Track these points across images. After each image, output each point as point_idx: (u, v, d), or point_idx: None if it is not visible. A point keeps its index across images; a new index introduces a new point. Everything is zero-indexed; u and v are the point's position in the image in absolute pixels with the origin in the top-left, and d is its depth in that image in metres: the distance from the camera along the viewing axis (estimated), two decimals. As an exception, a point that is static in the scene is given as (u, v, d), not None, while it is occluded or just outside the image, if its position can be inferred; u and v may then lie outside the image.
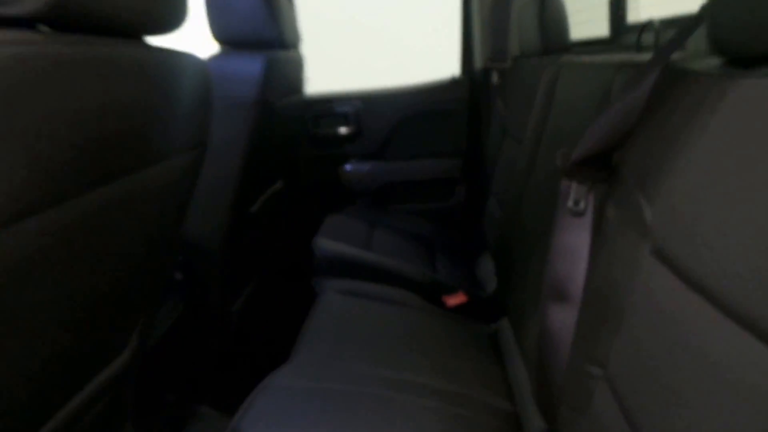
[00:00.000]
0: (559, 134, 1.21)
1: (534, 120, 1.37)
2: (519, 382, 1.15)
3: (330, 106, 2.11)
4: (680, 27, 0.63)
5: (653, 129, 0.63)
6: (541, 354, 0.89)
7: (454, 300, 1.50)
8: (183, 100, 0.90)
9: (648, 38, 1.31)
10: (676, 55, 0.63)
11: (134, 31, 0.75)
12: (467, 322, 1.43)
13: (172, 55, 0.84)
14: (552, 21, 1.45)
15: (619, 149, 0.72)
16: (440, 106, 2.12)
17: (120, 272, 0.82)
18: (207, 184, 1.40)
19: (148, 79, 0.76)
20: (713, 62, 0.58)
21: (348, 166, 2.15)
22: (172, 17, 0.82)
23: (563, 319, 0.83)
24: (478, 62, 2.06)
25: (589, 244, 0.78)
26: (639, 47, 1.26)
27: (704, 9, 0.56)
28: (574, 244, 0.81)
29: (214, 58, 1.41)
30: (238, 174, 1.42)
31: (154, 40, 0.82)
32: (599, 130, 0.73)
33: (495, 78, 1.94)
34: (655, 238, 0.55)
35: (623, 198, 0.68)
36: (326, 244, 1.56)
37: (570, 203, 0.82)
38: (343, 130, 2.12)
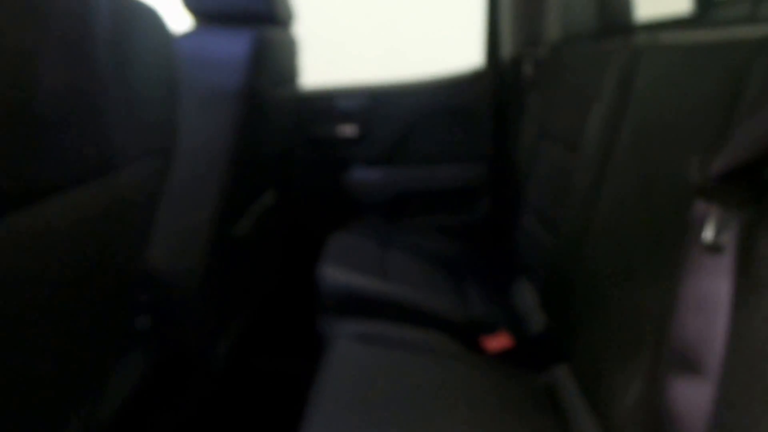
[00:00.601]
0: (647, 140, 0.92)
1: (598, 121, 1.08)
2: None
3: (331, 103, 1.81)
4: None
5: None
6: None
7: (496, 343, 1.21)
8: (135, 81, 0.60)
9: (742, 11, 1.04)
10: None
11: None
12: (515, 372, 1.14)
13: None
14: None
15: None
16: (461, 102, 1.82)
17: (47, 333, 0.56)
18: (179, 200, 1.10)
19: (64, 34, 0.47)
20: None
21: (353, 174, 1.84)
22: None
23: (692, 395, 0.62)
24: (506, 50, 1.76)
25: (732, 293, 0.58)
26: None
27: None
28: (709, 292, 0.60)
29: (188, 36, 1.11)
30: (219, 184, 1.12)
31: None
32: (753, 132, 0.53)
33: (528, 68, 1.65)
34: None
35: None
36: (334, 274, 1.26)
37: (707, 235, 0.58)
38: (346, 130, 1.81)
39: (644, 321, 0.79)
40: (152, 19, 0.63)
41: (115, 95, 0.55)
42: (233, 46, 1.10)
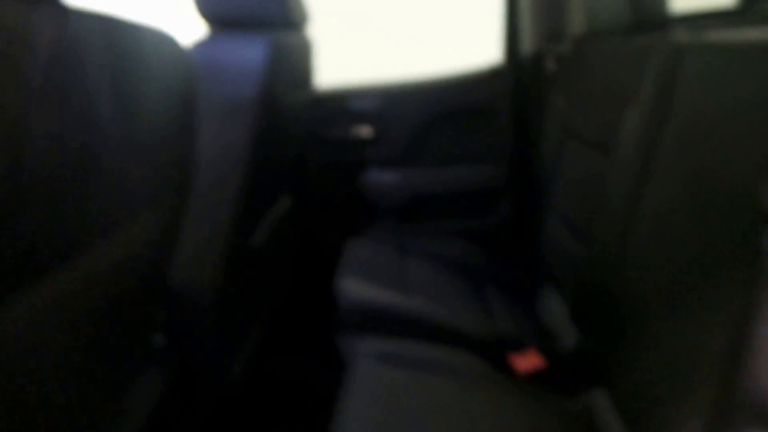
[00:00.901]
0: (697, 149, 0.84)
1: (636, 124, 1.00)
2: None
3: (344, 103, 1.73)
4: None
5: None
6: None
7: (527, 363, 1.14)
8: (145, 122, 0.54)
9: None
10: None
11: None
12: (548, 396, 1.07)
13: (121, 29, 0.50)
14: None
15: None
16: (479, 100, 1.74)
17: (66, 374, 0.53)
18: (193, 213, 1.06)
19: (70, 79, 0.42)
20: None
21: (368, 176, 1.77)
22: None
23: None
24: (526, 45, 1.68)
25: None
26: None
27: None
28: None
29: (203, 44, 1.07)
30: (235, 195, 1.08)
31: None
32: None
33: (551, 65, 1.56)
34: None
35: None
36: (353, 288, 1.19)
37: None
38: (361, 131, 1.74)
39: (702, 355, 0.71)
40: (161, 44, 0.56)
41: (120, 142, 0.49)
42: (248, 54, 1.05)
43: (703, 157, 0.84)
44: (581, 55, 1.38)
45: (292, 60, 1.23)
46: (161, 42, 0.57)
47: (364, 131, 1.74)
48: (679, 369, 0.78)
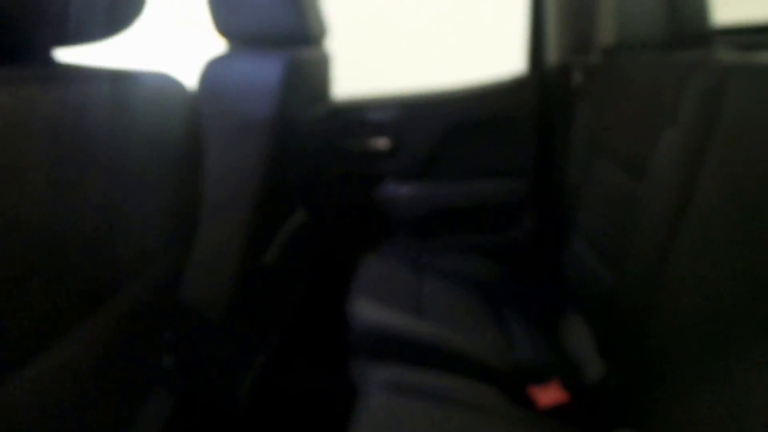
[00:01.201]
0: (746, 181, 0.77)
1: (674, 148, 0.93)
2: None
3: (362, 114, 1.68)
4: None
5: None
6: None
7: (548, 397, 1.07)
8: (149, 175, 0.54)
9: None
10: None
11: (38, 43, 0.44)
12: (570, 432, 1.00)
13: (122, 84, 0.49)
14: None
15: None
16: (501, 112, 1.67)
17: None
18: (203, 231, 1.01)
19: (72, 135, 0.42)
20: None
21: (385, 190, 1.71)
22: (120, 12, 0.50)
23: None
24: (552, 56, 1.60)
25: None
26: None
27: None
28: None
29: (219, 60, 1.05)
30: (247, 213, 1.05)
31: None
32: None
33: (578, 76, 1.49)
34: None
35: None
36: (366, 311, 1.13)
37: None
38: (378, 143, 1.68)
39: (756, 405, 0.64)
40: (164, 90, 0.55)
41: (122, 201, 0.46)
42: (264, 72, 1.03)
43: (750, 185, 0.77)
44: (612, 68, 1.31)
45: (309, 76, 1.21)
46: (164, 88, 0.55)
47: (382, 143, 1.68)
48: (724, 421, 0.70)
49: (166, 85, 0.56)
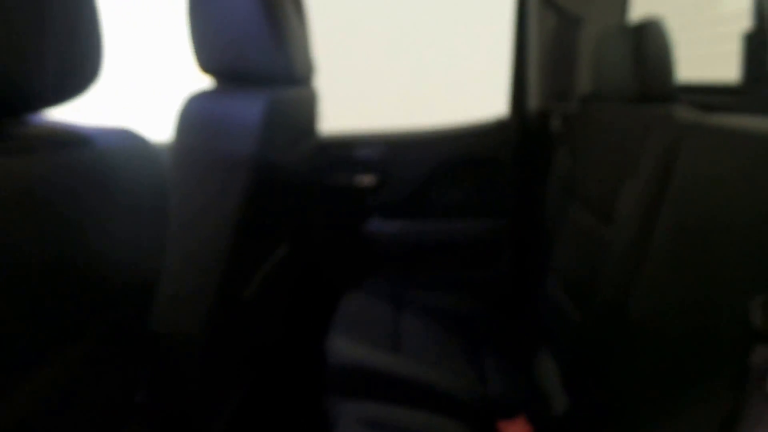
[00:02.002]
0: (694, 240, 0.83)
1: (634, 199, 0.99)
2: None
3: (348, 151, 1.74)
4: None
5: None
6: None
7: (515, 431, 1.11)
8: (126, 225, 0.54)
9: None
10: None
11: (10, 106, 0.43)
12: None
13: (83, 144, 0.49)
14: (655, 58, 1.08)
15: None
16: (483, 153, 1.74)
17: None
18: (181, 266, 1.03)
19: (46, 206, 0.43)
20: None
21: (370, 225, 1.76)
22: (78, 74, 0.48)
23: None
24: (533, 101, 1.68)
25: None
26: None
27: None
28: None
29: (199, 96, 1.04)
30: (228, 251, 1.05)
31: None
32: None
33: (556, 123, 1.56)
34: None
35: None
36: (343, 348, 1.17)
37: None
38: (363, 180, 1.74)
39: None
40: (129, 151, 0.56)
41: (82, 253, 0.49)
42: (246, 111, 1.02)
43: (700, 233, 0.83)
44: (587, 117, 1.38)
45: (294, 114, 1.22)
46: (127, 145, 0.56)
47: (368, 179, 1.74)
48: None
49: (129, 142, 0.57)
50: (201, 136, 1.02)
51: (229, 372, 1.22)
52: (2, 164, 0.40)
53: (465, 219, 1.77)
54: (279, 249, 1.39)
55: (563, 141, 1.51)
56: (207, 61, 1.10)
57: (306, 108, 1.31)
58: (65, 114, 0.58)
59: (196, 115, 1.03)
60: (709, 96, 1.17)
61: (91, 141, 0.51)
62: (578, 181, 1.33)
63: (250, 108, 1.02)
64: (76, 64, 0.48)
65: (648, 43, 1.06)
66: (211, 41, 1.09)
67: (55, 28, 0.45)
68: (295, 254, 1.51)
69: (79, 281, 0.49)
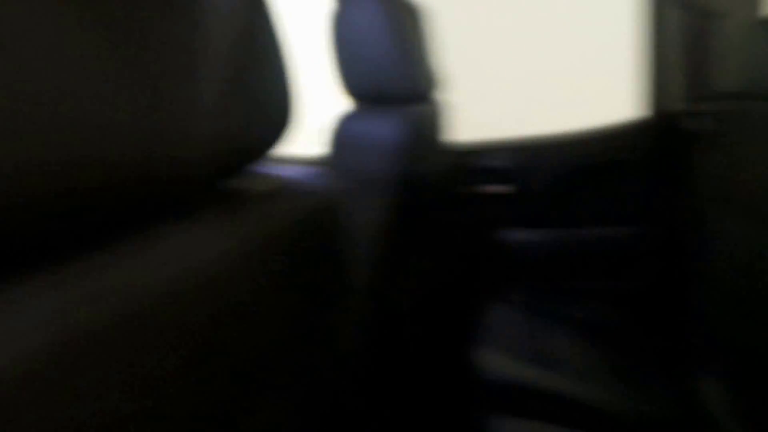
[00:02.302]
0: None
1: None
2: None
3: (477, 159, 1.72)
4: None
5: None
6: None
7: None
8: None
9: None
10: None
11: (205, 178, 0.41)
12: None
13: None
14: None
15: None
16: (620, 157, 1.66)
17: None
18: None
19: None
20: None
21: (506, 235, 1.73)
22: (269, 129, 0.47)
23: None
24: (674, 101, 1.58)
25: None
26: None
27: None
28: None
29: (347, 118, 1.16)
30: (375, 264, 1.09)
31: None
32: None
33: (706, 122, 1.46)
34: None
35: None
36: (495, 363, 1.16)
37: None
38: (495, 189, 1.71)
39: None
40: (315, 207, 0.56)
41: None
42: (382, 128, 1.11)
43: None
44: (745, 116, 1.28)
45: (428, 129, 1.27)
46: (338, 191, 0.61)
47: (500, 188, 1.71)
48: None
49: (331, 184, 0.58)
50: (350, 156, 1.11)
51: (382, 385, 1.25)
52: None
53: (605, 227, 1.69)
54: (417, 263, 1.41)
55: (715, 142, 1.41)
56: (350, 85, 1.20)
57: (437, 121, 1.36)
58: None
59: (344, 136, 1.12)
60: None
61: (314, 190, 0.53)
62: (736, 186, 1.24)
63: (386, 124, 1.11)
64: (271, 113, 0.48)
65: None
66: (352, 66, 1.18)
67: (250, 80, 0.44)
68: (432, 267, 1.52)
69: None
